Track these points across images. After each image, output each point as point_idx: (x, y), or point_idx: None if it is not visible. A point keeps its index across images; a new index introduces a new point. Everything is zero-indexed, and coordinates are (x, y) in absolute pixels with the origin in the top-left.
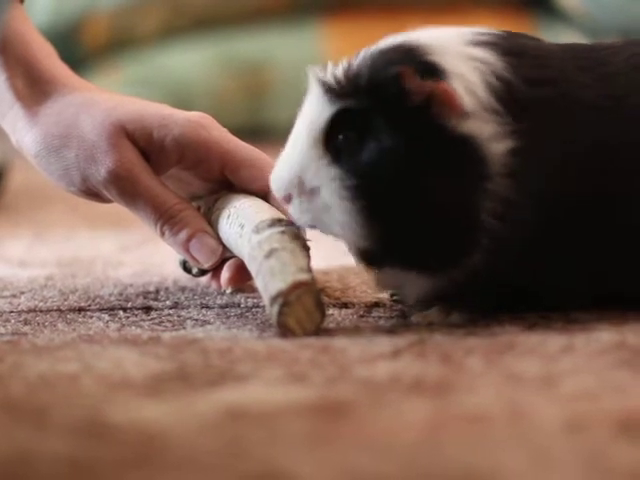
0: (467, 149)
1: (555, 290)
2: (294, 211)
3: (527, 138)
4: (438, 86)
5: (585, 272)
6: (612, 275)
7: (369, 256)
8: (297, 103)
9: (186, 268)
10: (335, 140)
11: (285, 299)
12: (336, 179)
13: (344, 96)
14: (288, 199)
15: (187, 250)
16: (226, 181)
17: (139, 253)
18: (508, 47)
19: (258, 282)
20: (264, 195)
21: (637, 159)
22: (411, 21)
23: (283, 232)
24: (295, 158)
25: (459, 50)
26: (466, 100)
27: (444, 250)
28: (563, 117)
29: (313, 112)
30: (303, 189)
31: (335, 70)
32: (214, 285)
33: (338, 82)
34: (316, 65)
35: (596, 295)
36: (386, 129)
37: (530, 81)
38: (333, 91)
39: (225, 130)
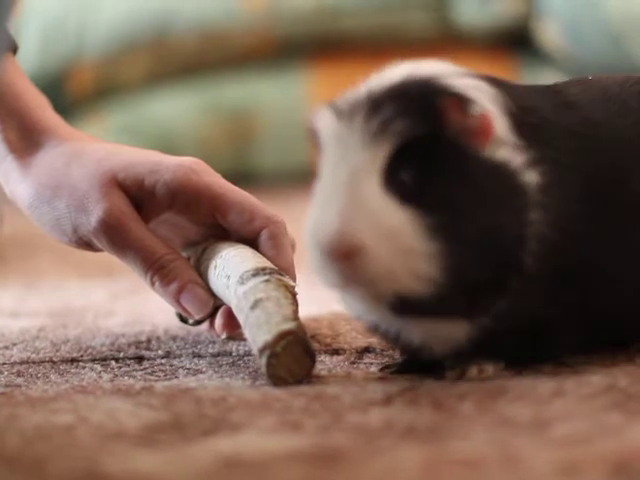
0: (506, 178)
1: (576, 334)
2: (359, 268)
3: (547, 168)
4: (482, 118)
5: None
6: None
7: (417, 303)
8: (283, 148)
9: (182, 319)
10: (397, 178)
11: (272, 351)
12: (411, 220)
13: (391, 133)
14: (349, 254)
15: (178, 301)
16: (218, 225)
17: (130, 302)
18: (488, 79)
19: (246, 333)
20: (254, 238)
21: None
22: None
23: (267, 281)
24: (351, 205)
25: (469, 83)
26: (496, 130)
27: (486, 292)
28: (556, 144)
29: (359, 156)
30: (374, 234)
31: (360, 109)
32: (211, 332)
33: (374, 121)
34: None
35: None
36: (439, 159)
37: (521, 109)
38: (380, 130)
39: (217, 175)
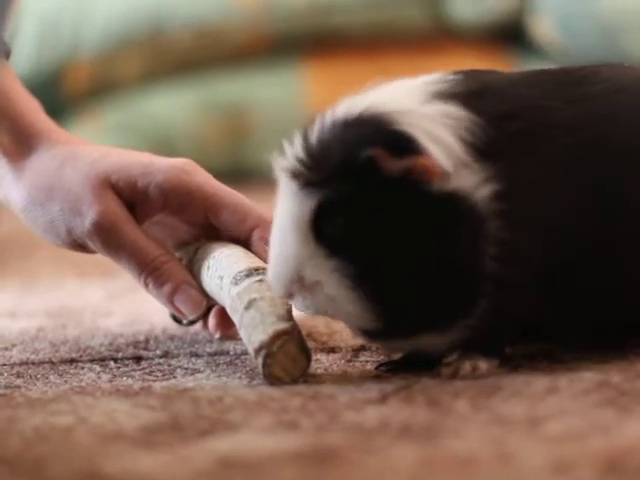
0: (454, 204)
1: (566, 324)
2: (298, 306)
3: (507, 176)
4: (415, 162)
5: (594, 302)
6: (622, 303)
7: (379, 335)
8: (279, 145)
9: (176, 319)
10: (324, 231)
11: (268, 350)
12: (336, 271)
13: (320, 185)
14: (290, 296)
15: (172, 302)
16: (211, 225)
17: (127, 301)
18: (468, 91)
19: (242, 334)
20: (247, 238)
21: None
22: (391, 60)
23: (261, 281)
24: (289, 256)
25: (422, 110)
26: (445, 161)
27: (453, 307)
28: (536, 146)
29: (293, 207)
30: (303, 285)
31: (300, 152)
32: (205, 332)
33: (308, 171)
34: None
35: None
36: (372, 208)
37: (496, 119)
38: (307, 184)
39: (209, 175)
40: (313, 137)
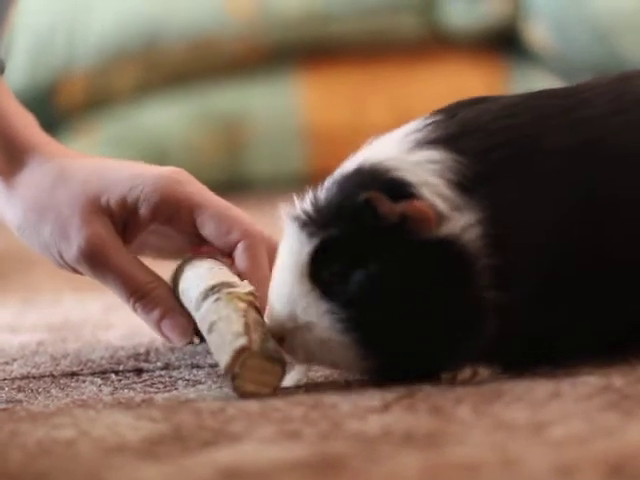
0: (445, 249)
1: (571, 337)
2: (288, 348)
3: (492, 202)
4: (411, 206)
5: (592, 314)
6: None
7: (372, 374)
8: (275, 156)
9: None
10: (320, 273)
11: (232, 373)
12: (328, 313)
13: (320, 229)
14: (281, 340)
15: (160, 329)
16: (201, 235)
17: (127, 313)
18: (446, 133)
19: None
20: (232, 251)
21: (615, 195)
22: (386, 68)
23: (217, 299)
24: (284, 295)
25: (409, 158)
26: (439, 204)
27: (455, 343)
28: (521, 169)
29: (293, 247)
30: (296, 325)
31: (305, 202)
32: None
33: (310, 215)
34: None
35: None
36: (367, 254)
37: (479, 154)
38: (308, 225)
39: (201, 185)
40: (319, 192)
